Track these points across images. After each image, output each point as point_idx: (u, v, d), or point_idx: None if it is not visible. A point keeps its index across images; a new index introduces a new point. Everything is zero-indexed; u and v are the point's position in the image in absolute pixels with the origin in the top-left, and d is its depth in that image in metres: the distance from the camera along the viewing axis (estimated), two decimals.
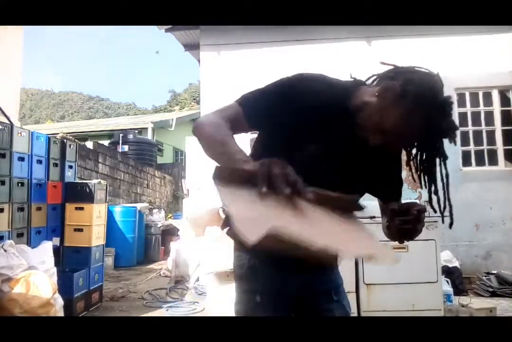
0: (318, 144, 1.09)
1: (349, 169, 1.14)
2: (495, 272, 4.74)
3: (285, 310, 1.17)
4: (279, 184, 0.79)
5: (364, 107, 1.07)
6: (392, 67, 1.14)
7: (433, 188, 1.11)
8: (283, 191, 0.79)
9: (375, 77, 1.17)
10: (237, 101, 1.11)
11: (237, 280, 1.24)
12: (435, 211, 1.11)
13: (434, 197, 1.11)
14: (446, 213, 1.10)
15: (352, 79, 1.18)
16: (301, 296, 1.20)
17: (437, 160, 1.08)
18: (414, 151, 1.12)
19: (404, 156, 1.22)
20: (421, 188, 1.14)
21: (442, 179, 1.09)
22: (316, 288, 1.24)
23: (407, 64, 1.13)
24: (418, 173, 1.13)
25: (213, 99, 5.78)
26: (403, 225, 1.02)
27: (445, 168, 1.08)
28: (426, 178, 1.12)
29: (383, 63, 1.15)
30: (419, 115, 1.00)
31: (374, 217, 3.06)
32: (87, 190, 4.01)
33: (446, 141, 1.06)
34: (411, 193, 5.22)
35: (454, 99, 5.41)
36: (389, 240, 1.25)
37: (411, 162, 1.14)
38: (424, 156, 1.10)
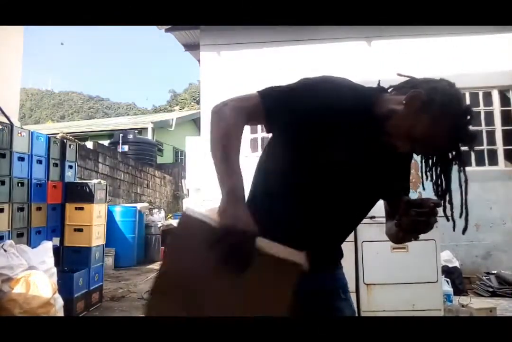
0: (338, 147, 1.09)
1: (369, 172, 1.15)
2: (495, 272, 4.74)
3: (299, 309, 1.16)
4: (232, 262, 0.93)
5: (391, 115, 1.09)
6: (408, 78, 1.16)
7: (447, 196, 1.13)
8: (235, 270, 0.93)
9: (391, 89, 1.19)
10: (260, 93, 1.10)
11: None
12: (448, 219, 1.12)
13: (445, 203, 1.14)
14: (453, 215, 1.12)
15: (376, 86, 1.20)
16: (313, 295, 1.20)
17: (455, 167, 1.11)
18: (434, 159, 1.14)
19: (415, 162, 1.23)
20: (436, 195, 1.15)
21: (460, 185, 1.11)
22: (326, 286, 1.24)
23: (422, 75, 1.15)
24: (435, 180, 1.15)
25: (213, 99, 5.78)
26: (418, 217, 1.02)
27: (465, 174, 1.11)
28: (443, 185, 1.14)
29: (400, 75, 1.17)
30: (444, 122, 1.04)
31: (374, 217, 3.07)
32: (87, 190, 4.01)
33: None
34: (411, 193, 5.22)
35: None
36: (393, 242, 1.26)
37: (427, 170, 1.16)
38: (443, 164, 1.12)
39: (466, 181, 1.10)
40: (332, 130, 1.08)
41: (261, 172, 1.22)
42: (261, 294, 0.97)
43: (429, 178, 1.16)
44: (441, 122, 1.04)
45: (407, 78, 1.16)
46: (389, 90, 1.19)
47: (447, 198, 1.13)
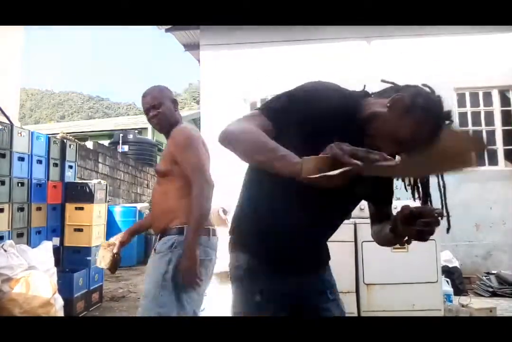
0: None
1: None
2: (495, 272, 4.74)
3: (286, 309, 1.18)
4: (365, 155, 0.86)
5: (375, 118, 1.12)
6: (391, 85, 1.21)
7: (428, 199, 1.19)
8: (375, 158, 0.86)
9: (375, 93, 1.23)
10: (259, 109, 1.15)
11: (235, 281, 1.25)
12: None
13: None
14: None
15: (361, 90, 1.23)
16: (300, 296, 1.22)
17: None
18: None
19: None
20: (414, 199, 1.20)
21: (439, 189, 1.15)
22: (313, 287, 1.27)
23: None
24: (413, 184, 1.20)
25: (213, 99, 5.78)
26: (425, 226, 1.03)
27: (442, 179, 1.15)
28: (422, 189, 1.19)
29: (384, 81, 1.22)
30: (426, 126, 1.07)
31: None
32: (87, 190, 4.01)
33: None
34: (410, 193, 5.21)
35: (454, 99, 5.42)
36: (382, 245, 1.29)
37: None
38: None
39: (444, 186, 1.14)
40: (324, 134, 1.09)
41: (253, 180, 1.24)
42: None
43: (407, 182, 1.21)
44: (423, 126, 1.07)
45: (390, 85, 1.21)
46: (373, 95, 1.22)
47: (428, 201, 1.18)
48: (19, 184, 3.49)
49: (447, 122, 1.09)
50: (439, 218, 1.04)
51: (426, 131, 1.07)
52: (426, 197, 1.18)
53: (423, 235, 1.05)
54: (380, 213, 1.32)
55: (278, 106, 1.13)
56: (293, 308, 1.21)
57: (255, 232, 1.20)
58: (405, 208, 1.06)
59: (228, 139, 1.06)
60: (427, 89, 1.14)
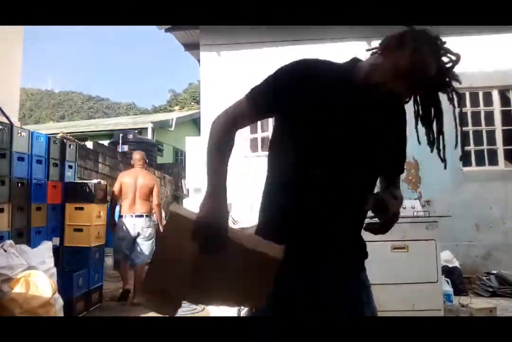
0: (329, 124, 1.12)
1: (362, 146, 1.15)
2: (495, 272, 4.74)
3: (304, 309, 1.12)
4: (207, 250, 1.00)
5: (373, 66, 1.12)
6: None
7: (441, 138, 1.17)
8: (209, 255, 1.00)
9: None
10: (245, 95, 1.17)
11: None
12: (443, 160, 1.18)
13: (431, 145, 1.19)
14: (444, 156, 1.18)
15: (351, 58, 1.24)
16: (335, 298, 1.18)
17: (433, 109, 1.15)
18: (426, 100, 1.16)
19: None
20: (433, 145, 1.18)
21: (455, 119, 1.16)
22: (348, 289, 1.23)
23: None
24: (428, 124, 1.17)
25: (213, 99, 5.78)
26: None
27: (461, 110, 1.16)
28: (436, 124, 1.17)
29: (369, 50, 1.22)
30: (423, 49, 1.07)
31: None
32: (87, 190, 4.01)
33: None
34: (411, 193, 5.21)
35: (454, 99, 5.41)
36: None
37: (418, 116, 1.19)
38: (435, 101, 1.15)
39: (461, 112, 1.16)
40: (323, 107, 1.11)
41: (271, 167, 1.24)
42: (242, 284, 1.03)
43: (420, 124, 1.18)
44: (421, 51, 1.06)
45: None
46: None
47: (441, 141, 1.17)
48: (19, 184, 3.49)
49: (439, 42, 1.10)
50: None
51: (425, 56, 1.06)
52: (439, 134, 1.16)
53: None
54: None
55: (261, 90, 1.15)
56: (328, 307, 1.16)
57: (287, 227, 1.15)
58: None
59: (209, 134, 1.15)
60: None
